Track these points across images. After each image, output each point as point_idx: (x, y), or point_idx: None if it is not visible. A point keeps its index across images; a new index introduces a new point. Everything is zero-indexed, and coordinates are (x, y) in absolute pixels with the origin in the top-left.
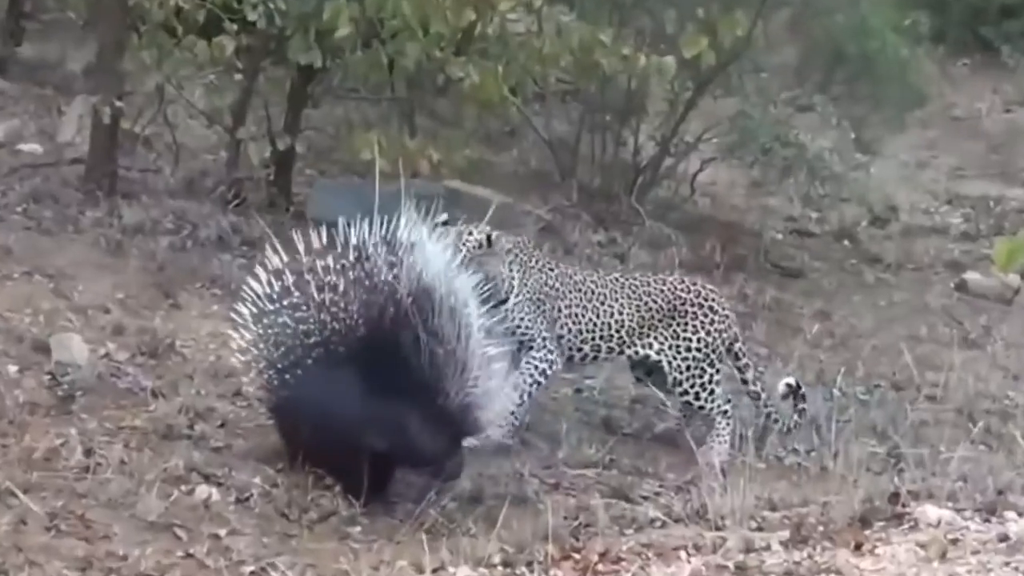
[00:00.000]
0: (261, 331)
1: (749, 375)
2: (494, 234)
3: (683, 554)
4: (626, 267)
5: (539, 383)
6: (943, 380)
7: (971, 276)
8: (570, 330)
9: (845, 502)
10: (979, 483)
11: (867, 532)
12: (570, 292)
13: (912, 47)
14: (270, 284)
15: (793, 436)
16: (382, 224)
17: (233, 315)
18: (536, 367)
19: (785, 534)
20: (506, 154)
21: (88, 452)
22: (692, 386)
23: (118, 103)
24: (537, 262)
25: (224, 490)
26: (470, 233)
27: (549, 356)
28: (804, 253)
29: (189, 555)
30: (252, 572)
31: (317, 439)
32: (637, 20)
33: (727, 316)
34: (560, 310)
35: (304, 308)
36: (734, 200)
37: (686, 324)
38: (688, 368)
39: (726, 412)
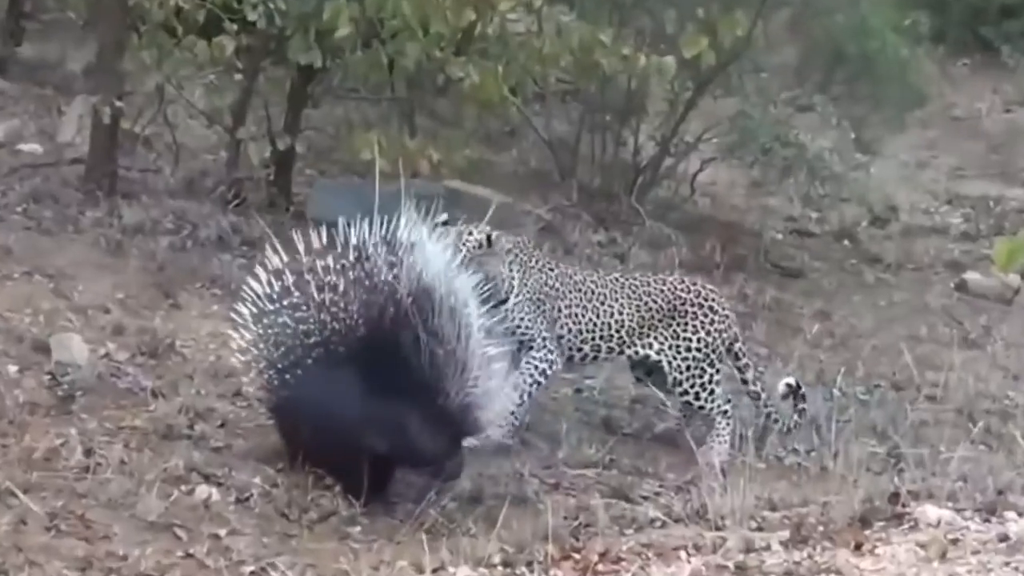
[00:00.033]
0: (261, 331)
1: (749, 375)
2: (494, 234)
3: (683, 554)
4: (626, 267)
5: (539, 383)
6: (943, 380)
7: (971, 276)
8: (570, 330)
9: (845, 502)
10: (979, 483)
11: (867, 532)
12: (570, 292)
13: (912, 47)
14: (270, 284)
15: (793, 436)
16: (382, 224)
17: (233, 315)
18: (536, 367)
19: (785, 534)
20: (506, 154)
21: (88, 452)
22: (692, 386)
23: (118, 103)
24: (537, 262)
25: (224, 490)
26: (470, 233)
27: (549, 356)
28: (804, 253)
29: (189, 555)
30: (252, 572)
31: (317, 439)
32: (637, 20)
33: (727, 316)
34: (560, 310)
35: (304, 308)
36: (734, 200)
37: (686, 324)
38: (688, 368)
39: (726, 412)
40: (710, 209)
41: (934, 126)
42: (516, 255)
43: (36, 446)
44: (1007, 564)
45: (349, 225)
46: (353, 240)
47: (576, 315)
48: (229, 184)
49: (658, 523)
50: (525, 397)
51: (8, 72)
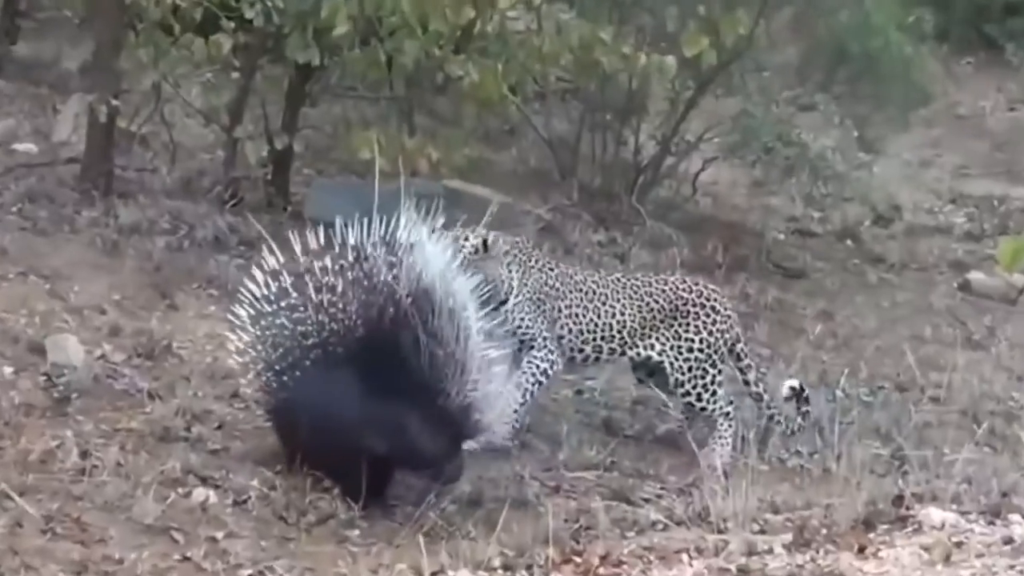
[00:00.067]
0: (259, 332)
1: (751, 376)
2: (490, 237)
3: (685, 557)
4: (627, 267)
5: (540, 383)
6: (947, 381)
7: (975, 276)
8: (571, 331)
9: (848, 505)
10: (983, 485)
11: (870, 535)
12: (571, 292)
13: (915, 45)
14: (267, 285)
15: (796, 438)
16: (381, 224)
17: (230, 316)
18: (537, 367)
19: (788, 537)
20: (506, 153)
21: (84, 454)
22: (694, 387)
23: (114, 102)
24: (537, 262)
25: (221, 493)
26: (466, 238)
27: (550, 356)
28: (806, 253)
29: (186, 558)
30: (249, 575)
31: (315, 441)
32: (638, 18)
33: (729, 317)
34: (560, 310)
35: (302, 309)
36: (736, 200)
37: (688, 325)
38: (690, 369)
39: (728, 413)
40: (712, 209)
41: (938, 125)
42: (515, 256)
43: (32, 448)
44: (1012, 567)
45: (347, 225)
46: (351, 240)
47: (577, 315)
48: (226, 183)
49: (660, 526)
50: (526, 397)
51: (3, 71)
